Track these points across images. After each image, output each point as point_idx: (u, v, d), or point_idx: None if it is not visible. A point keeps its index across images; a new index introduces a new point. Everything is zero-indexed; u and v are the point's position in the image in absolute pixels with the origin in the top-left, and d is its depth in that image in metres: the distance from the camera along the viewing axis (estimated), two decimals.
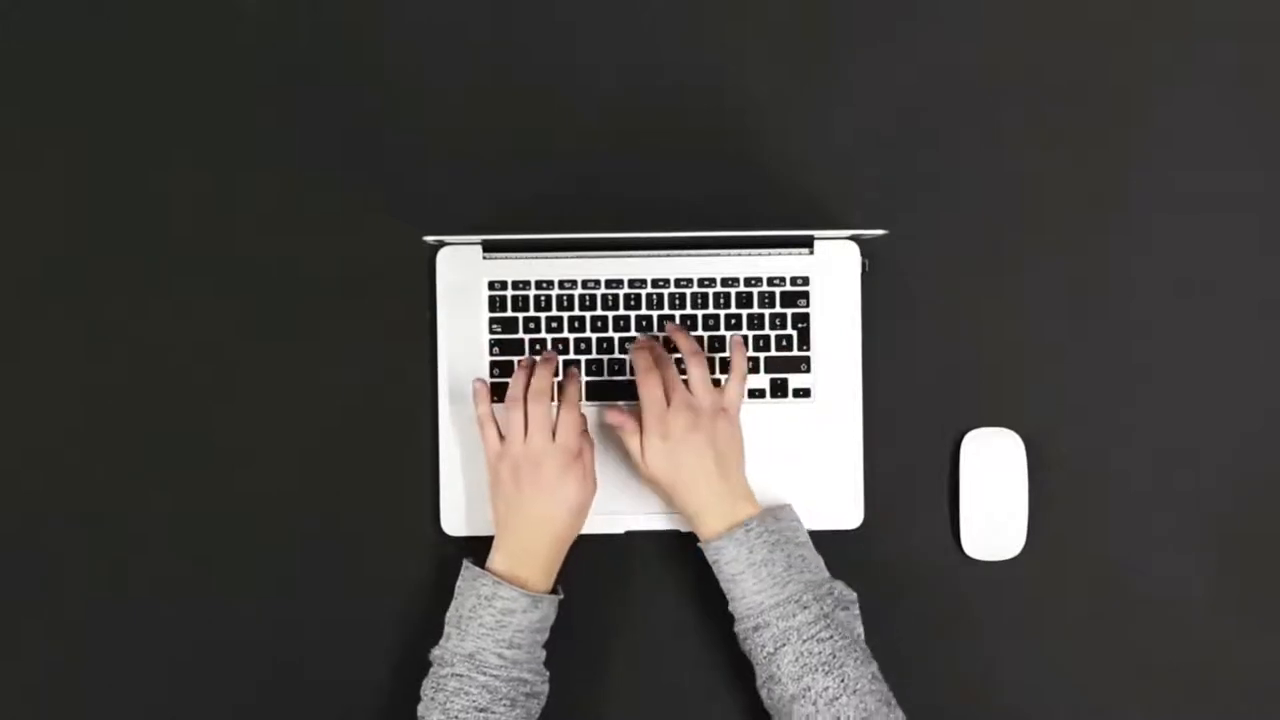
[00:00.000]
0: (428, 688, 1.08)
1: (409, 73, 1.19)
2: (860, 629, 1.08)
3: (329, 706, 1.18)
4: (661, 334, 1.17)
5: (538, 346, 1.17)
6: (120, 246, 1.19)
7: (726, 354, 1.16)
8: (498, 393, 1.15)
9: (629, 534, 1.17)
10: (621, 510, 1.16)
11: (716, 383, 1.13)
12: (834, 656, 1.04)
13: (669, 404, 1.09)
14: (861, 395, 1.18)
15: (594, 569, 1.15)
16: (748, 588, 1.07)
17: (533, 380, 1.11)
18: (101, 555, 1.18)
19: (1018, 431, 1.18)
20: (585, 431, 1.12)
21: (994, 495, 1.18)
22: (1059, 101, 1.20)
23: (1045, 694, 1.15)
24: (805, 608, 1.05)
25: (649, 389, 1.10)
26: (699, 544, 1.11)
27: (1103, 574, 1.18)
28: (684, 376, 1.11)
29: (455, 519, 1.17)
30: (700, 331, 1.17)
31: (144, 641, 1.18)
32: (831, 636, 1.05)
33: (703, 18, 1.20)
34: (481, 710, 1.05)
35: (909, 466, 1.19)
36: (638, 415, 1.11)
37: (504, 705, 1.05)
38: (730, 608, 1.09)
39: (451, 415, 1.17)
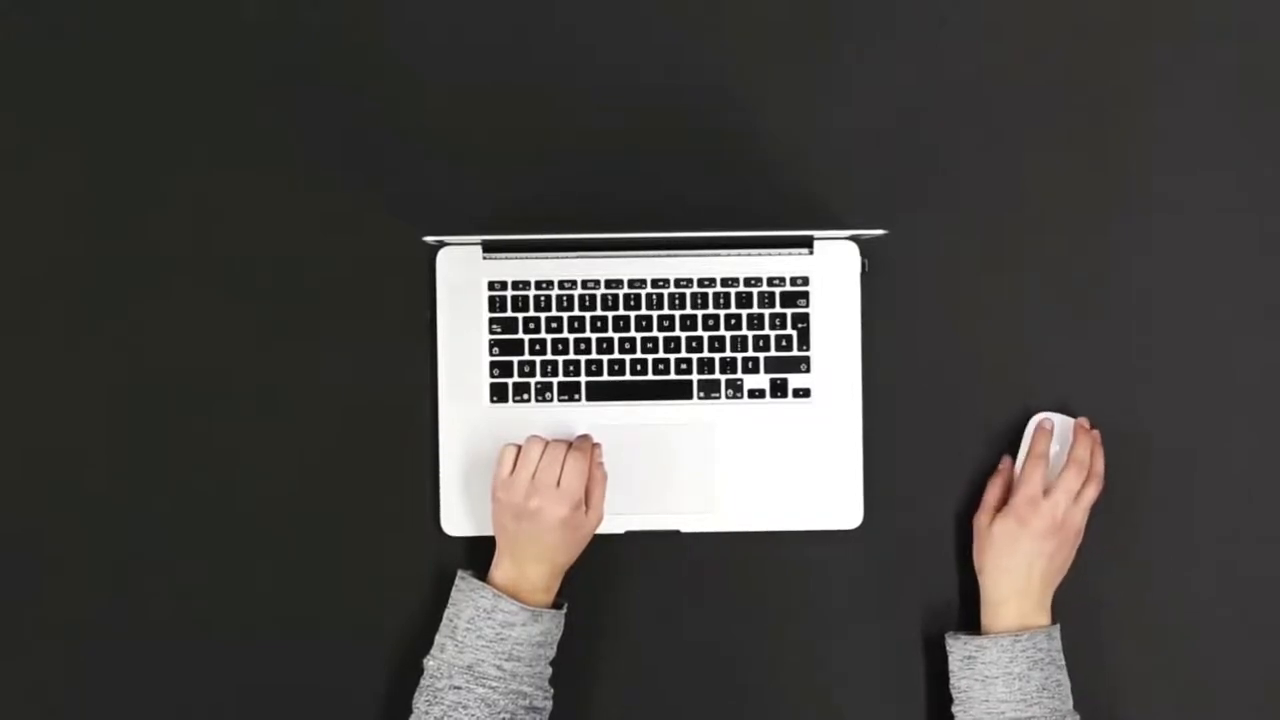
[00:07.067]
0: (420, 700, 1.07)
1: (409, 73, 1.19)
2: None
3: (329, 707, 1.18)
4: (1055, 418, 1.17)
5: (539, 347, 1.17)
6: (120, 246, 1.19)
7: (728, 352, 1.16)
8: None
9: (629, 534, 1.17)
10: (621, 510, 1.16)
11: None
12: None
13: (1046, 495, 1.11)
14: (861, 395, 1.18)
15: (594, 569, 1.14)
16: (995, 693, 1.08)
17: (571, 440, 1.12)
18: (101, 555, 1.18)
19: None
20: (599, 464, 1.12)
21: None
22: (1059, 101, 1.20)
23: None
24: None
25: (1035, 471, 1.12)
26: (951, 636, 1.12)
27: (1103, 574, 1.18)
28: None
29: (455, 519, 1.17)
30: (700, 331, 1.17)
31: (143, 642, 1.18)
32: None
33: (703, 18, 1.20)
34: None
35: (909, 466, 1.19)
36: (1009, 484, 1.14)
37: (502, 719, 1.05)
38: (956, 708, 1.11)
39: (451, 415, 1.17)
